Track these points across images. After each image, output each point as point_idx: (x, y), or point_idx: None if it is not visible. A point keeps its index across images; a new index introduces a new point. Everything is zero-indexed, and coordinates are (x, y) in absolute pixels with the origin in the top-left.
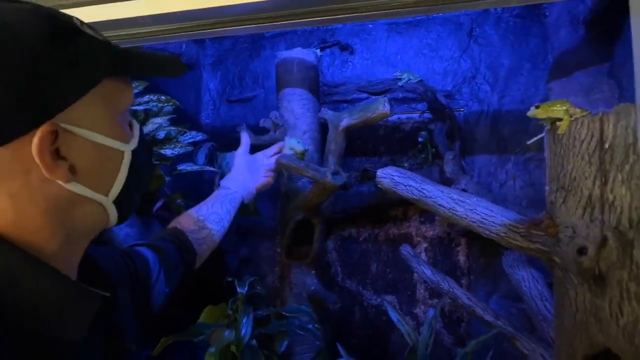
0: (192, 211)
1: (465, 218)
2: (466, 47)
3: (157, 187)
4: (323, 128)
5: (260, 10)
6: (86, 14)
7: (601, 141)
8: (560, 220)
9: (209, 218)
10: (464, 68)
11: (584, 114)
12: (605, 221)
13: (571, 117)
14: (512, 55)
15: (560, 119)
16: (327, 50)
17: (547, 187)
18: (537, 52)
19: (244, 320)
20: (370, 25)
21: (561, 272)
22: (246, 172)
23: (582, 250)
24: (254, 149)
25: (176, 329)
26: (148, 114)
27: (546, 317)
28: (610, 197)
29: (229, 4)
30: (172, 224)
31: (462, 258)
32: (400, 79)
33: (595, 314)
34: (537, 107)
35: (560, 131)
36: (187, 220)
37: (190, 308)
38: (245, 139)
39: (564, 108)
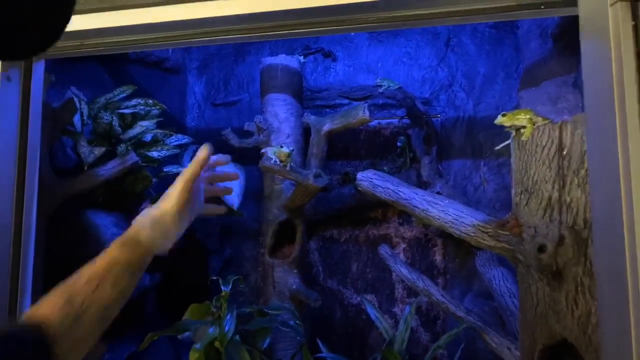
0: (69, 288)
1: (438, 219)
2: (443, 56)
3: (143, 188)
4: (306, 132)
5: (248, 21)
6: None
7: (560, 148)
8: (524, 221)
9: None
10: (441, 76)
11: (546, 122)
12: (562, 221)
13: (534, 125)
14: (487, 64)
15: (524, 127)
16: (311, 57)
17: (512, 190)
18: (510, 62)
19: (228, 317)
20: (352, 34)
21: (524, 269)
22: (178, 210)
23: (541, 248)
24: (240, 151)
25: (161, 327)
26: (135, 117)
27: (513, 313)
28: (568, 199)
29: (219, 15)
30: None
31: (438, 258)
32: (380, 86)
33: (553, 306)
34: (503, 116)
35: (523, 138)
36: (53, 308)
37: (175, 306)
38: (204, 154)
39: (528, 117)
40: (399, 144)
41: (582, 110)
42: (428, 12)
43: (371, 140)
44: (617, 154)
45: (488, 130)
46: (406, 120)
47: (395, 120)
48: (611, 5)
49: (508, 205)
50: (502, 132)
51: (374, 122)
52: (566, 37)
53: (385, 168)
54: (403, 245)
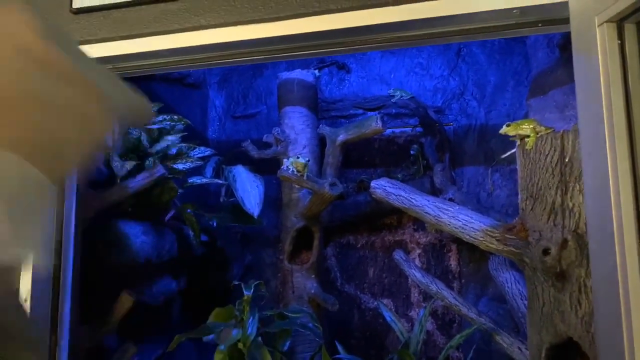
0: None
1: (448, 224)
2: (455, 66)
3: (169, 199)
4: (322, 142)
5: (265, 44)
6: (111, 48)
7: (562, 155)
8: (530, 225)
9: None
10: (452, 85)
11: (548, 131)
12: (566, 225)
13: (537, 134)
14: (497, 73)
15: (528, 136)
16: (325, 69)
17: (519, 196)
18: (520, 70)
19: (250, 320)
20: None
21: (530, 271)
22: None
23: (546, 251)
24: (258, 162)
25: (187, 330)
26: (162, 132)
27: (525, 314)
28: (570, 204)
29: (243, 39)
30: None
31: (453, 263)
32: (393, 96)
33: (558, 307)
34: (507, 126)
35: (527, 147)
36: None
37: (199, 311)
38: None
39: (531, 126)
40: (412, 152)
41: None
42: (433, 32)
43: (385, 148)
44: (607, 163)
45: (499, 138)
46: (419, 129)
47: (408, 129)
48: (599, 25)
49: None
50: (513, 139)
51: (388, 131)
52: (572, 47)
53: (399, 176)
54: (418, 251)
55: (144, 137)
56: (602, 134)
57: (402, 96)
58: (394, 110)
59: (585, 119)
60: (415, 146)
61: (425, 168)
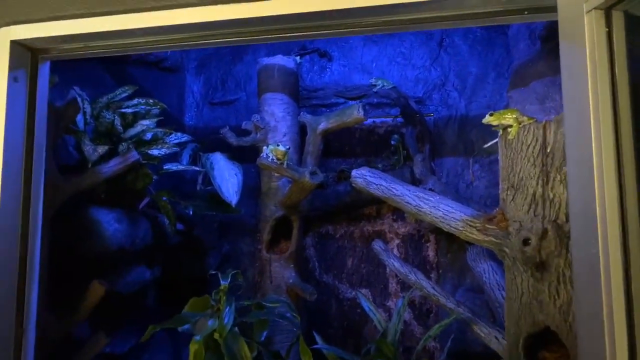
0: None
1: (429, 214)
2: (437, 57)
3: (144, 186)
4: (302, 130)
5: (248, 24)
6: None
7: (544, 146)
8: (510, 216)
9: None
10: (434, 76)
11: (531, 121)
12: (546, 216)
13: (520, 124)
14: (478, 64)
15: (510, 126)
16: (307, 57)
17: (500, 186)
18: (501, 62)
19: (227, 310)
20: None
21: (510, 261)
22: None
23: (526, 241)
24: (237, 150)
25: (162, 320)
26: (136, 116)
27: (502, 304)
28: (551, 195)
29: (219, 19)
30: None
31: (431, 253)
32: (375, 85)
33: (537, 296)
34: (490, 115)
35: (510, 136)
36: None
37: (175, 300)
38: None
39: (514, 116)
40: (392, 142)
41: None
42: (420, 16)
43: (366, 138)
44: (591, 151)
45: (479, 129)
46: (400, 119)
47: (389, 119)
48: (587, 12)
49: (499, 201)
50: (493, 131)
51: (369, 121)
52: (553, 39)
53: (379, 165)
54: (397, 241)
55: (117, 121)
56: (588, 123)
57: (383, 86)
58: (375, 100)
59: (571, 108)
60: (395, 136)
61: (406, 158)
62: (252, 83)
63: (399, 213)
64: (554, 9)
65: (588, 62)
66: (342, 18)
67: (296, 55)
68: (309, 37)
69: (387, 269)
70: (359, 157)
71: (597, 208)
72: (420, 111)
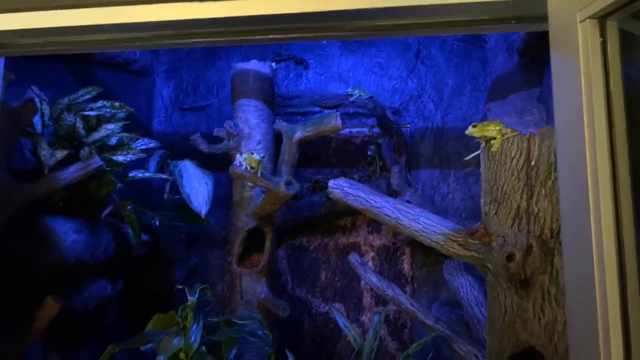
0: None
1: (408, 227)
2: (413, 67)
3: (107, 193)
4: (277, 139)
5: (222, 25)
6: (44, 19)
7: (528, 159)
8: (493, 230)
9: None
10: (410, 87)
11: (514, 134)
12: (530, 231)
13: (503, 136)
14: (455, 76)
15: (494, 138)
16: (282, 64)
17: (482, 200)
18: (478, 75)
19: (194, 328)
20: (324, 42)
21: (493, 278)
22: None
23: (510, 257)
24: (207, 158)
25: (123, 338)
26: (100, 120)
27: (480, 321)
28: (535, 209)
29: (191, 17)
30: None
31: (406, 266)
32: (351, 95)
33: (521, 314)
34: (474, 127)
35: (493, 149)
36: None
37: (138, 316)
38: None
39: (497, 128)
40: (369, 152)
41: (546, 123)
42: (402, 22)
43: (342, 148)
44: (585, 165)
45: (456, 141)
46: (377, 130)
47: (365, 130)
48: (580, 22)
49: (475, 214)
50: (469, 143)
51: (345, 131)
52: (531, 52)
53: (355, 176)
54: (372, 254)
55: (79, 124)
56: (582, 136)
57: (360, 95)
58: (351, 110)
59: (562, 120)
60: (372, 147)
61: (382, 169)
62: (224, 89)
63: (374, 225)
64: (544, 18)
65: (582, 73)
66: (323, 21)
67: (272, 62)
68: (283, 40)
69: (362, 283)
70: (334, 167)
71: (592, 225)
72: (397, 122)
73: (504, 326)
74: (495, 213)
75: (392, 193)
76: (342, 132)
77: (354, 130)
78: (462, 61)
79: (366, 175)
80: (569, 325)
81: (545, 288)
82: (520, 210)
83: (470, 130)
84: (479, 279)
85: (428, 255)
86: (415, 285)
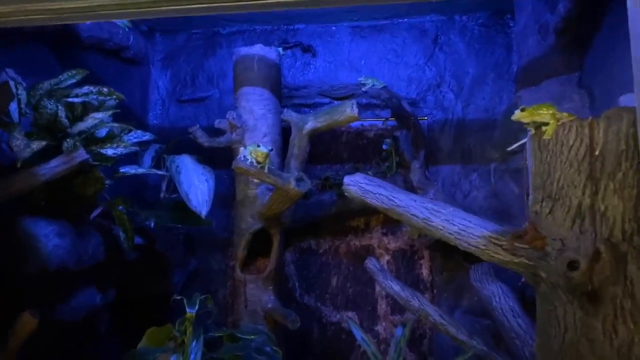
0: None
1: (441, 229)
2: (431, 55)
3: (95, 192)
4: (285, 132)
5: None
6: None
7: (591, 148)
8: (547, 232)
9: None
10: (428, 76)
11: (572, 118)
12: (597, 233)
13: (558, 121)
14: (476, 64)
15: (546, 124)
16: (288, 52)
17: (530, 196)
18: (501, 62)
19: (193, 344)
20: (334, 28)
21: (548, 288)
22: None
23: (572, 265)
24: (208, 152)
25: (114, 354)
26: (87, 108)
27: (519, 335)
28: (602, 207)
29: None
30: None
31: (425, 271)
32: (364, 85)
33: (586, 334)
34: (522, 110)
35: (546, 136)
36: None
37: (131, 329)
38: None
39: (551, 112)
40: (384, 146)
41: (590, 111)
42: None
43: (353, 142)
44: None
45: (478, 134)
46: (391, 122)
47: (379, 122)
48: None
49: (501, 214)
50: (493, 136)
51: (357, 124)
52: (571, 31)
53: (369, 173)
54: (387, 257)
55: (62, 113)
56: None
57: (373, 85)
58: (364, 101)
59: None
60: (388, 140)
61: (398, 165)
62: (226, 79)
63: (389, 226)
64: None
65: None
66: None
67: (278, 47)
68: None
69: (376, 289)
70: (346, 163)
71: None
72: (414, 114)
73: (563, 347)
74: (550, 212)
75: (410, 191)
76: (353, 124)
77: (366, 123)
78: (484, 47)
79: (380, 172)
80: None
81: (618, 302)
82: (583, 209)
83: (517, 115)
84: (512, 286)
85: (449, 259)
86: (435, 291)
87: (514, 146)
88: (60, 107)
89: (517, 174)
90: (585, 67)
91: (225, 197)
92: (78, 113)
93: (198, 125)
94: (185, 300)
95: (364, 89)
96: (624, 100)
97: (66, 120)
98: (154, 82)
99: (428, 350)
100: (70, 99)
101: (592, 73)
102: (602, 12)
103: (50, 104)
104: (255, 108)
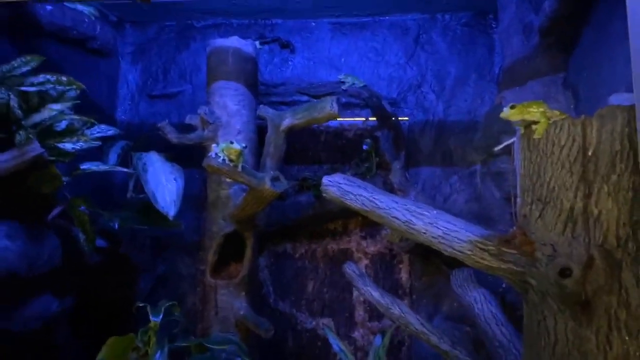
0: None
1: (424, 233)
2: (412, 54)
3: (52, 189)
4: (260, 130)
5: None
6: None
7: (584, 148)
8: (537, 237)
9: None
10: (409, 75)
11: (563, 117)
12: (590, 238)
13: (549, 120)
14: (458, 64)
15: (536, 122)
16: (266, 47)
17: (518, 199)
18: (483, 63)
19: (157, 355)
20: (314, 24)
21: (537, 297)
22: None
23: (564, 272)
24: (179, 149)
25: None
26: (44, 99)
27: (503, 344)
28: (595, 211)
29: None
30: None
31: (404, 276)
32: (344, 83)
33: (579, 346)
34: (511, 108)
35: (536, 135)
36: None
37: (91, 338)
38: None
39: (541, 110)
40: (364, 147)
41: (575, 112)
42: None
43: (332, 142)
44: None
45: (459, 136)
46: (371, 122)
47: (358, 122)
48: None
49: (480, 217)
50: (474, 139)
51: (336, 123)
52: (556, 31)
53: (348, 173)
54: (365, 262)
55: (14, 102)
56: None
57: (353, 83)
58: (344, 99)
59: None
60: (368, 141)
61: (378, 166)
62: (199, 74)
63: (368, 229)
64: None
65: None
66: None
67: (255, 41)
68: None
69: (354, 295)
70: (324, 164)
71: None
72: (395, 114)
73: (554, 359)
74: (540, 216)
75: (393, 192)
76: (332, 124)
77: (346, 122)
78: (466, 47)
79: (360, 173)
80: None
81: (612, 312)
82: (575, 212)
83: (506, 113)
84: (495, 292)
85: (428, 264)
86: (414, 297)
87: (500, 146)
88: (12, 96)
89: (499, 177)
90: (571, 67)
91: (197, 198)
92: (34, 103)
93: (167, 121)
94: (149, 308)
95: (343, 87)
96: (615, 99)
97: (19, 111)
98: (123, 75)
99: (407, 358)
100: (24, 88)
101: (578, 73)
102: (588, 11)
103: (1, 92)
104: (229, 103)
